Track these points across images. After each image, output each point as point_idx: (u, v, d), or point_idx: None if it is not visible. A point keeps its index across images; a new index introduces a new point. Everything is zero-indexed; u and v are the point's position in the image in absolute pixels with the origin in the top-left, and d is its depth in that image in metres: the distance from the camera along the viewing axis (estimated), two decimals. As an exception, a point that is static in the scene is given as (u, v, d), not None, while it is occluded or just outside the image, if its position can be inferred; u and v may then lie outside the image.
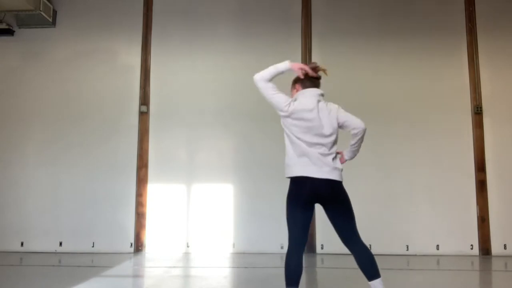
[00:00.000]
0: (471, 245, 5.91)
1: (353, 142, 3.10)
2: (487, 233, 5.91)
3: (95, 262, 5.49)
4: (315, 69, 3.09)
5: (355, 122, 2.99)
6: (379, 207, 6.00)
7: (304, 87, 3.04)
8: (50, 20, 6.41)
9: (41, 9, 6.13)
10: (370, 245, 6.14)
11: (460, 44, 6.29)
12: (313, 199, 2.92)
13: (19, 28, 6.49)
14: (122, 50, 6.51)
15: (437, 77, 6.24)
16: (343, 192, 3.00)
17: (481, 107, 6.12)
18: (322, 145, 2.91)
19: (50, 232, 6.09)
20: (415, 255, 5.88)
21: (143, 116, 6.34)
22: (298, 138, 2.90)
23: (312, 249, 5.99)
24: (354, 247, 3.05)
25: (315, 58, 6.34)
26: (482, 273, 5.20)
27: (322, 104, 2.97)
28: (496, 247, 5.87)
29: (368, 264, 3.01)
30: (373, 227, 5.98)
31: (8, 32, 6.44)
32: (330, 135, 2.95)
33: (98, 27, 6.53)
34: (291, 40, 6.37)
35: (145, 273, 5.08)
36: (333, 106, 3.02)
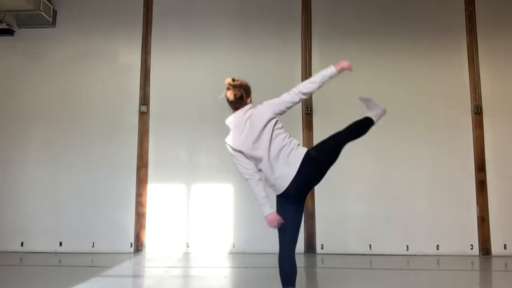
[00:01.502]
0: (471, 245, 5.91)
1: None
2: (487, 233, 5.91)
3: (95, 262, 5.49)
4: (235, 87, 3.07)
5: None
6: (379, 207, 5.99)
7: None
8: (50, 20, 6.41)
9: (41, 9, 6.13)
10: (370, 245, 6.19)
11: (460, 44, 6.28)
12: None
13: (19, 28, 6.49)
14: (122, 50, 6.51)
15: (437, 77, 6.23)
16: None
17: (481, 107, 6.12)
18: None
19: (50, 232, 6.09)
20: (415, 255, 5.88)
21: (143, 116, 6.33)
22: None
23: (312, 249, 5.99)
24: None
25: (315, 59, 6.35)
26: (482, 273, 5.20)
27: (247, 120, 2.97)
28: (496, 247, 5.87)
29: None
30: (373, 227, 5.99)
31: (8, 32, 6.43)
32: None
33: (98, 27, 6.53)
34: (291, 41, 6.37)
35: (145, 273, 5.08)
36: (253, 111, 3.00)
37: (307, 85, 3.02)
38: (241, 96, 3.04)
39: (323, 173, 2.99)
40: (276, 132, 2.93)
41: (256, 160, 2.95)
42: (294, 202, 2.97)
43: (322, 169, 2.96)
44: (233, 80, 3.08)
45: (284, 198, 2.96)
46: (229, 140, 3.01)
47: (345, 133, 3.10)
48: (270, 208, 2.92)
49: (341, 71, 3.00)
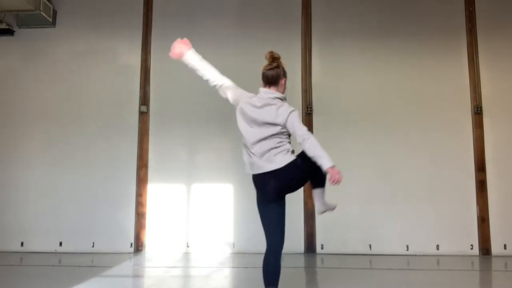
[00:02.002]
0: (471, 245, 5.91)
1: None
2: (487, 233, 5.91)
3: (95, 262, 5.49)
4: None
5: None
6: (379, 207, 5.99)
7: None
8: (50, 20, 6.41)
9: (41, 9, 6.13)
10: (370, 245, 6.19)
11: (460, 44, 6.28)
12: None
13: (19, 28, 6.49)
14: (122, 50, 6.51)
15: (437, 77, 6.23)
16: None
17: (481, 107, 6.12)
18: None
19: (50, 232, 6.09)
20: (415, 255, 5.88)
21: (143, 116, 6.33)
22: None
23: (312, 249, 5.99)
24: None
25: (315, 58, 6.36)
26: (482, 273, 5.20)
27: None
28: (496, 247, 5.87)
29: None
30: (373, 227, 5.99)
31: (8, 32, 6.43)
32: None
33: (98, 27, 6.53)
34: (291, 40, 6.36)
35: (145, 273, 5.08)
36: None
37: (310, 143, 2.82)
38: (277, 68, 2.99)
39: (300, 183, 2.98)
40: (277, 135, 2.91)
41: (241, 135, 3.00)
42: (273, 200, 2.95)
43: (301, 179, 2.96)
44: (272, 52, 3.05)
45: (264, 197, 2.97)
46: (247, 96, 3.03)
47: (310, 168, 2.94)
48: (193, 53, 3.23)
49: (327, 172, 2.79)
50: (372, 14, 6.43)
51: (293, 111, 2.91)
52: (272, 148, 2.90)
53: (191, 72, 6.52)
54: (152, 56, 6.45)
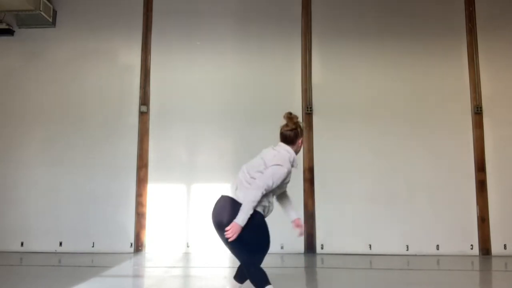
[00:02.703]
0: (471, 245, 5.91)
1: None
2: (487, 233, 5.91)
3: (95, 262, 5.49)
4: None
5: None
6: (379, 207, 6.00)
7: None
8: (50, 20, 6.41)
9: (41, 9, 6.13)
10: (370, 245, 6.18)
11: (460, 44, 6.29)
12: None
13: (19, 28, 6.49)
14: (122, 50, 6.51)
15: (437, 77, 6.24)
16: None
17: (481, 107, 6.12)
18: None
19: (50, 232, 6.09)
20: (415, 255, 5.88)
21: (143, 116, 6.33)
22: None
23: (312, 249, 5.99)
24: None
25: (315, 58, 6.36)
26: (482, 273, 5.20)
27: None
28: (496, 247, 5.87)
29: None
30: (373, 227, 5.99)
31: (8, 32, 6.44)
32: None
33: (98, 27, 6.53)
34: (291, 40, 6.37)
35: (145, 273, 5.08)
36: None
37: (253, 194, 3.04)
38: (295, 129, 3.14)
39: (222, 229, 3.07)
40: (259, 171, 3.07)
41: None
42: (217, 228, 3.21)
43: (227, 223, 3.06)
44: (290, 113, 3.20)
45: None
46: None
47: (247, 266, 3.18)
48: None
49: (232, 222, 3.04)
50: (372, 14, 6.43)
51: (279, 165, 3.02)
52: (247, 182, 3.08)
53: (191, 72, 6.57)
54: (152, 56, 6.45)
